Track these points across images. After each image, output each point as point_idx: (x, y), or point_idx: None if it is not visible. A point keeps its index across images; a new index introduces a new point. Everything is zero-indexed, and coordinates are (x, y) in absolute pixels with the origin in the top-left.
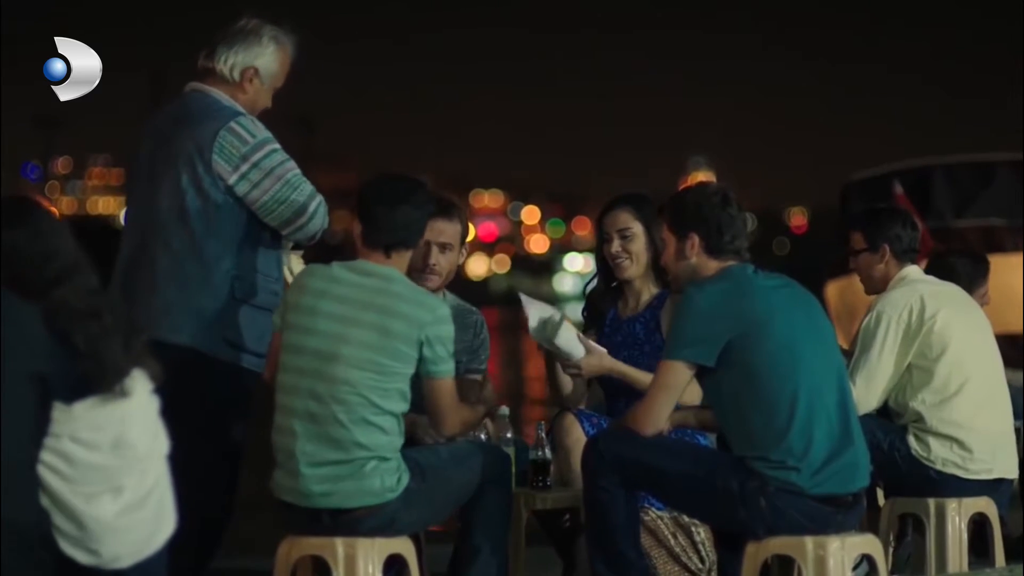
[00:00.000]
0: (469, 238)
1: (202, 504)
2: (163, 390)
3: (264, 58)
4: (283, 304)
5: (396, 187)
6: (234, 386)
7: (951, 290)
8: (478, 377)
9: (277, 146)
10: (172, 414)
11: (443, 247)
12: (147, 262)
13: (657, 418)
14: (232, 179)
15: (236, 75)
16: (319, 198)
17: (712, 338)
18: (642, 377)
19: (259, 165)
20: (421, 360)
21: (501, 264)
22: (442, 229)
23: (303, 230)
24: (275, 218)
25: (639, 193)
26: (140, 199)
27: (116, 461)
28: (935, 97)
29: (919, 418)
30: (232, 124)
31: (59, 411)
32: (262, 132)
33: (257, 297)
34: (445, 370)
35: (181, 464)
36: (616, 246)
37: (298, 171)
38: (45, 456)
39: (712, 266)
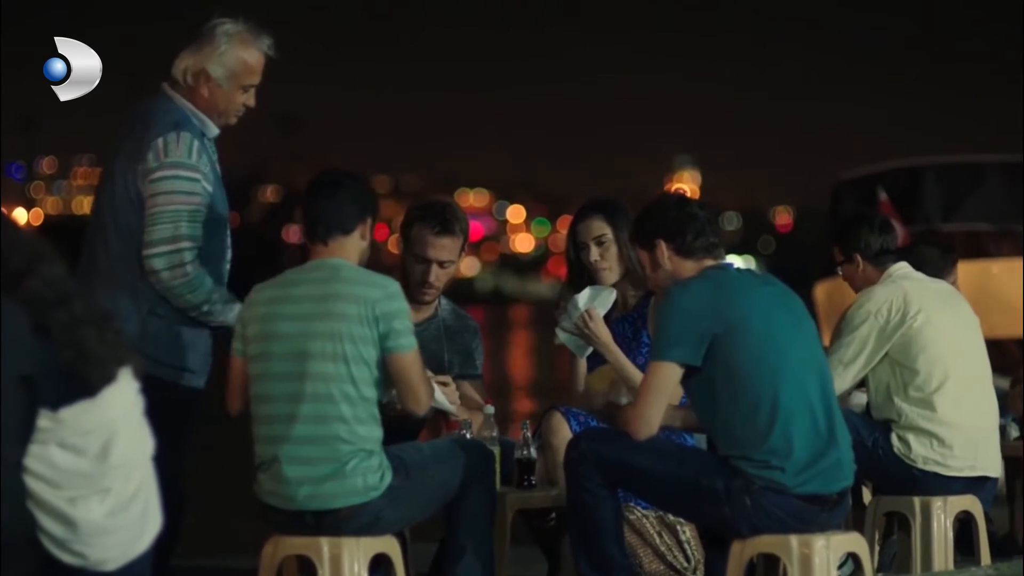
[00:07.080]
0: None
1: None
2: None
3: (216, 60)
4: (239, 325)
5: (323, 180)
6: (155, 397)
7: (938, 287)
8: (475, 383)
9: (185, 174)
10: None
11: (443, 263)
12: (91, 261)
13: (650, 419)
14: (144, 192)
15: (189, 79)
16: (173, 247)
17: (697, 337)
18: (628, 366)
19: (151, 184)
20: (380, 338)
21: (486, 263)
22: (444, 245)
23: (145, 261)
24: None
25: (608, 199)
26: (96, 199)
27: (102, 465)
28: (923, 96)
29: (900, 416)
30: (158, 139)
31: (46, 418)
32: (178, 155)
33: (179, 312)
34: (406, 344)
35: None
36: (595, 254)
37: (179, 209)
38: (30, 463)
39: (688, 267)
